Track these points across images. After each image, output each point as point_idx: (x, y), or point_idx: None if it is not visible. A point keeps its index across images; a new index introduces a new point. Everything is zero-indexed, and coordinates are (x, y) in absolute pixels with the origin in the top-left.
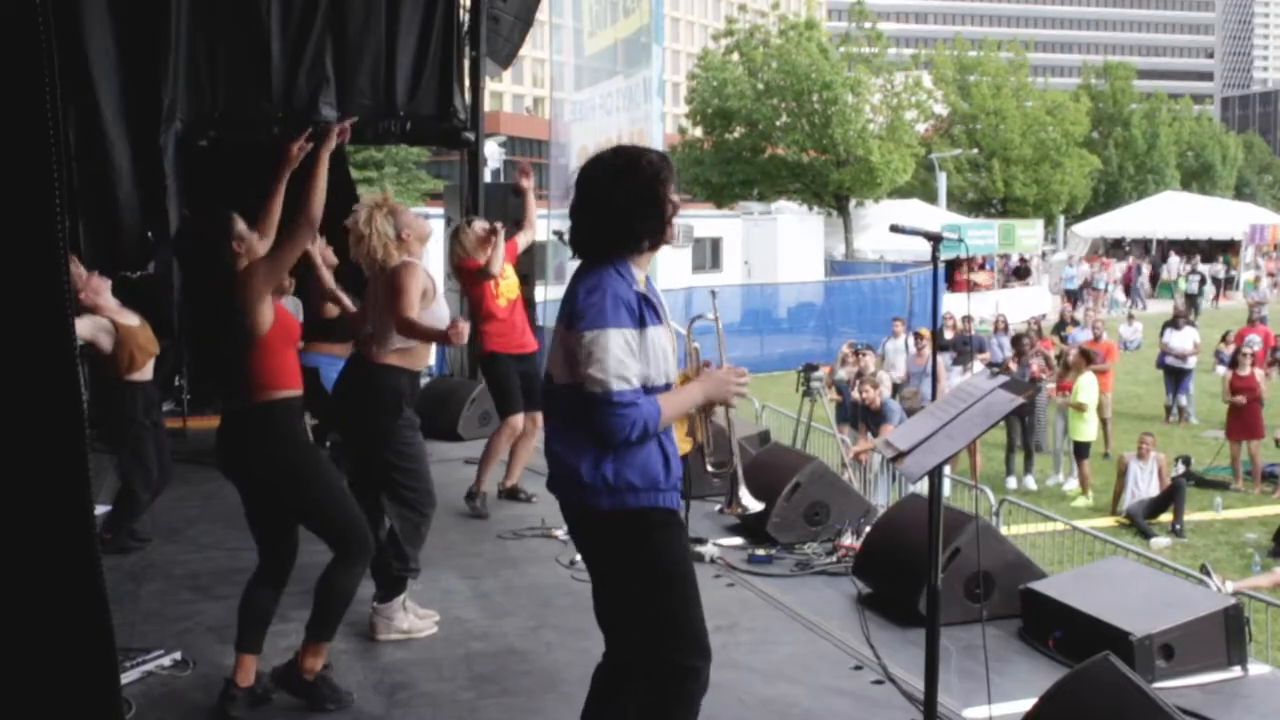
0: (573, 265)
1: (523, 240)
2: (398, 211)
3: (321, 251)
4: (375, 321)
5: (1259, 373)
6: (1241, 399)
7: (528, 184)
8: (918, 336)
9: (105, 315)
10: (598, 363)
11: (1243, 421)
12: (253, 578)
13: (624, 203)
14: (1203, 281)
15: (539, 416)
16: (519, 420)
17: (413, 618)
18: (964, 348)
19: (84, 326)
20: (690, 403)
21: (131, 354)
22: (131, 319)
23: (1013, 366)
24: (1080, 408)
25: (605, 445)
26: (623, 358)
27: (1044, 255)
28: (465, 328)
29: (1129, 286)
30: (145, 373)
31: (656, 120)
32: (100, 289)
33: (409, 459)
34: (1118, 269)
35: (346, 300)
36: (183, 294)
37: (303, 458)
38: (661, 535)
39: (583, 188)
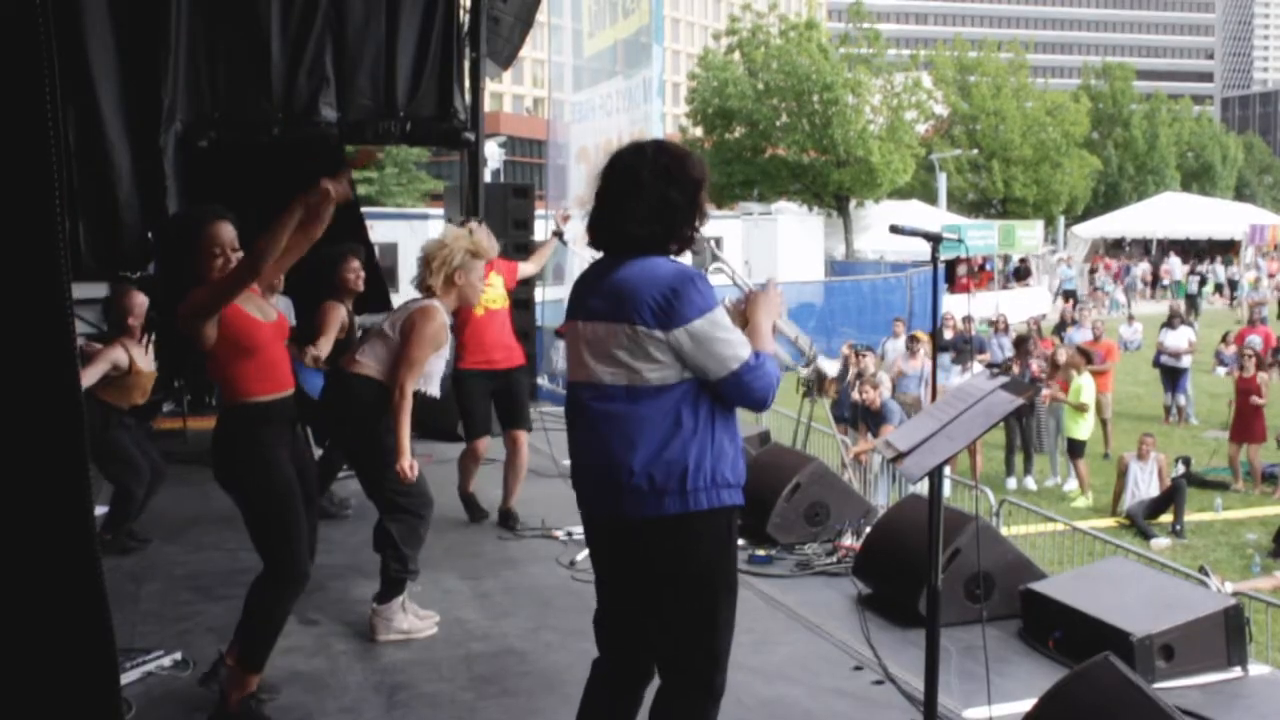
0: (573, 265)
1: (525, 269)
2: (472, 261)
3: (344, 275)
4: (379, 337)
5: (1262, 375)
6: (1257, 399)
7: (563, 229)
8: (913, 339)
9: (130, 347)
10: (724, 342)
11: (1243, 423)
12: (256, 578)
13: (680, 200)
14: (1202, 282)
15: (522, 436)
16: (484, 444)
17: (412, 618)
18: (964, 348)
19: (93, 372)
20: (767, 336)
21: (124, 390)
22: (148, 364)
23: (1014, 368)
24: (1082, 408)
25: (760, 408)
26: (735, 326)
27: (1042, 257)
28: (415, 475)
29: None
30: (124, 405)
31: (656, 120)
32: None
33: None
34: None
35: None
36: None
37: (249, 466)
38: (734, 537)
39: (629, 178)
